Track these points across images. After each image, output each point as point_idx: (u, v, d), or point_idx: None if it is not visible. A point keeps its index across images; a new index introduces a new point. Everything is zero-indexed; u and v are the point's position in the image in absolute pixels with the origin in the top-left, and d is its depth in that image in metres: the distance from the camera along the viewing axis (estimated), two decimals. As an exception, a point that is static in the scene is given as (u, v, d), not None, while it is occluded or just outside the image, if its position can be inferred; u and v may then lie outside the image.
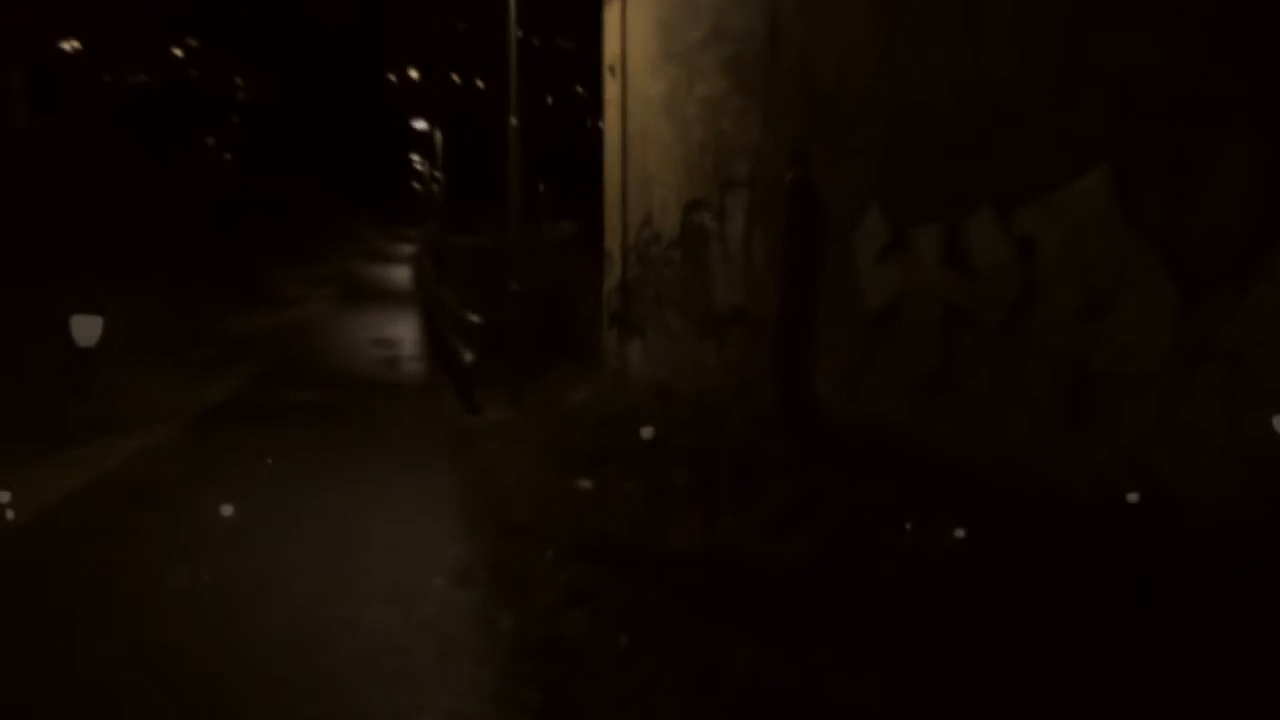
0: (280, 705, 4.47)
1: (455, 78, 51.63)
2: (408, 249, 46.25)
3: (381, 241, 51.25)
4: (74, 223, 15.79)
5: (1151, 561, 4.63)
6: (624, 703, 4.39)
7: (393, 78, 55.80)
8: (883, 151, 7.33)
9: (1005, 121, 6.05)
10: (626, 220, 13.03)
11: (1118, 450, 5.25)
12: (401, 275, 37.10)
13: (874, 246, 7.41)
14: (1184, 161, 4.86)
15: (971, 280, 6.40)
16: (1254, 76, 4.57)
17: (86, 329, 10.58)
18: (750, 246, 9.40)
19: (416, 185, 64.55)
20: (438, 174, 49.35)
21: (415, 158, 61.75)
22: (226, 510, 7.44)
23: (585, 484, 7.80)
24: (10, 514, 7.39)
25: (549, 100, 42.31)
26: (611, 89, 13.54)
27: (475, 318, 15.35)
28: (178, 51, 33.66)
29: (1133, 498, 5.02)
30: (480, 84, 48.60)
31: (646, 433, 8.48)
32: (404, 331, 21.76)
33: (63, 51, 24.34)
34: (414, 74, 54.59)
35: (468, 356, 14.47)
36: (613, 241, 13.69)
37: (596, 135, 14.67)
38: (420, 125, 49.65)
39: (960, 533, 5.34)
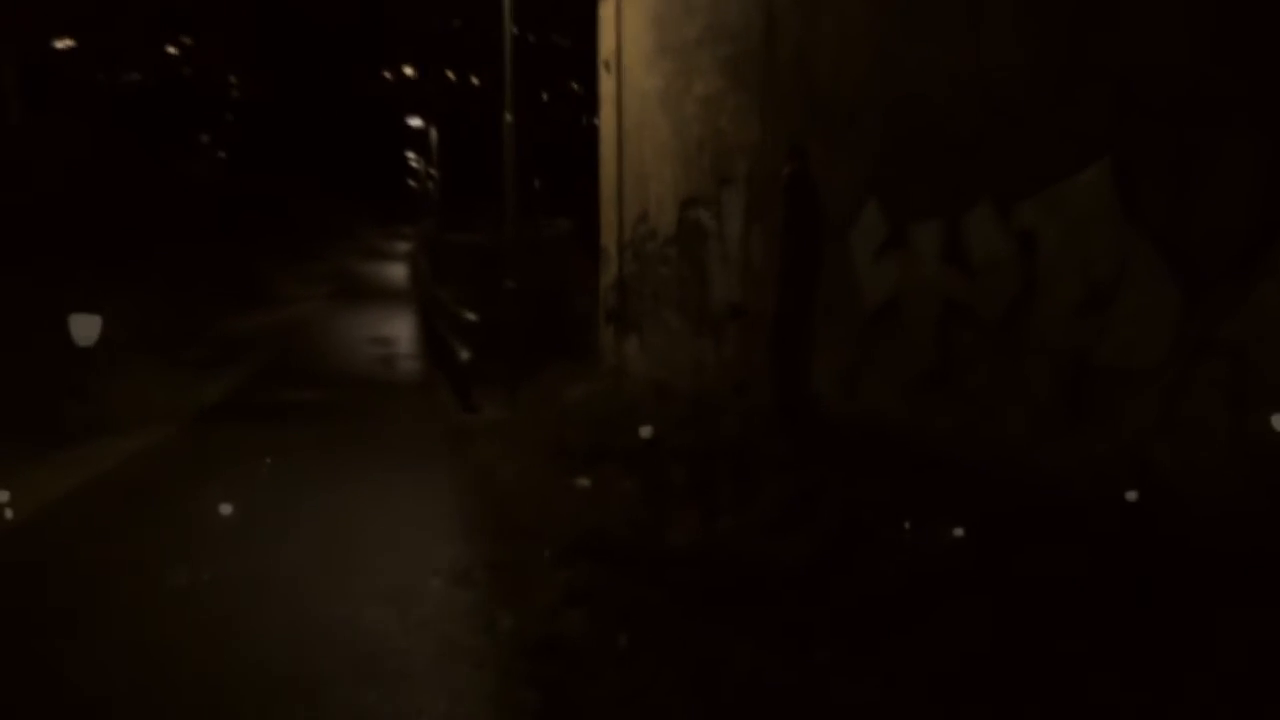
0: (278, 707, 4.45)
1: (450, 75, 51.49)
2: (404, 246, 46.23)
3: (378, 239, 51.22)
4: (68, 221, 15.73)
5: (1153, 558, 4.61)
6: (623, 703, 4.37)
7: (388, 75, 55.67)
8: (880, 146, 7.31)
9: (1005, 116, 6.02)
10: (623, 216, 13.00)
11: (1119, 446, 5.23)
12: (398, 273, 37.06)
13: (872, 242, 7.39)
14: (1185, 157, 4.84)
15: (971, 276, 6.38)
16: (1256, 72, 4.54)
17: (85, 328, 10.55)
18: (748, 243, 9.38)
19: (412, 183, 64.51)
20: (433, 171, 49.31)
21: (411, 155, 61.69)
22: (224, 510, 7.43)
23: (583, 482, 7.78)
24: (9, 513, 7.39)
25: (544, 97, 42.20)
26: (607, 85, 13.51)
27: (471, 315, 15.30)
28: (172, 50, 33.54)
29: (1134, 494, 5.00)
30: (475, 81, 48.44)
31: (644, 431, 8.46)
32: (400, 330, 21.73)
33: (56, 49, 24.25)
34: (409, 71, 54.46)
35: (464, 354, 14.42)
36: (609, 238, 13.66)
37: (592, 132, 14.65)
38: (416, 122, 49.57)
39: (960, 531, 5.33)
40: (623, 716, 4.31)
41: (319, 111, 49.27)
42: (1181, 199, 4.88)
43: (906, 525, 5.57)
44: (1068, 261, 5.59)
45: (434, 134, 46.13)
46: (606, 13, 13.38)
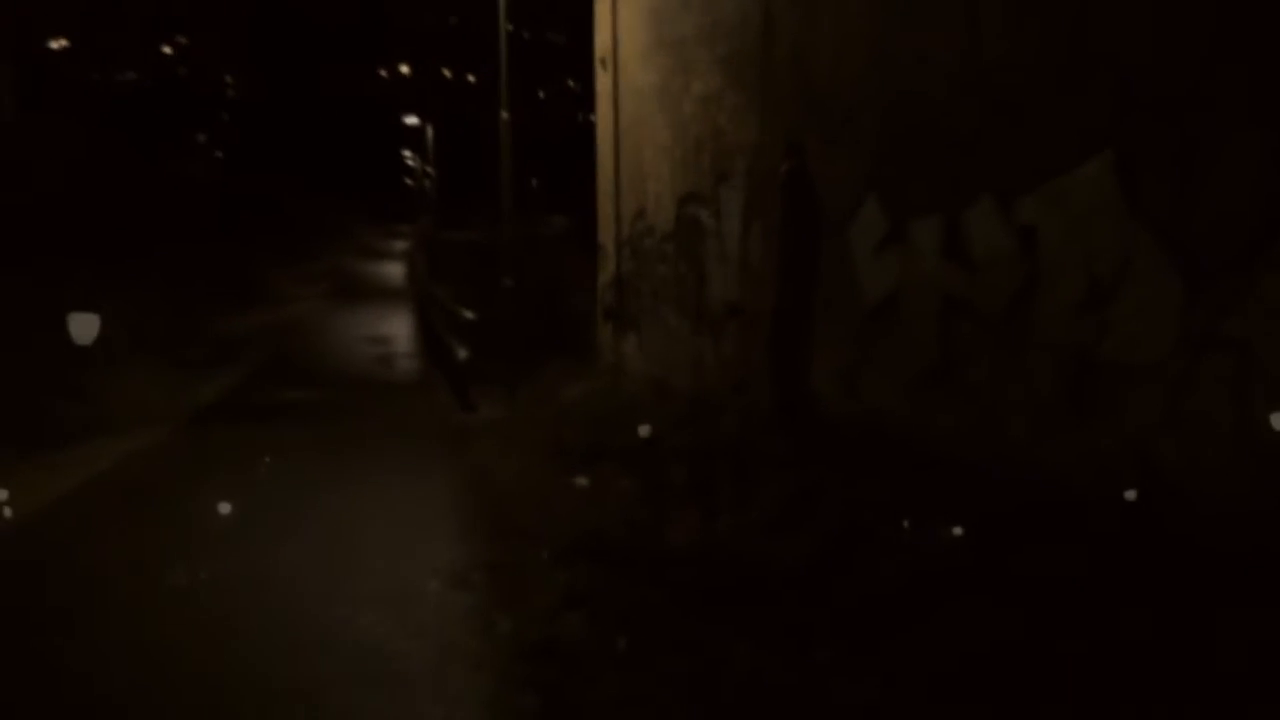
0: (276, 711, 4.42)
1: (446, 73, 51.48)
2: (400, 245, 46.07)
3: (374, 238, 51.12)
4: (65, 220, 15.72)
5: (1156, 557, 4.57)
6: (623, 706, 4.33)
7: (384, 73, 55.63)
8: (879, 142, 7.26)
9: (1005, 110, 5.97)
10: (620, 213, 12.95)
11: (1122, 442, 5.18)
12: (394, 271, 36.95)
13: (871, 239, 7.34)
14: (1188, 149, 4.80)
15: (972, 271, 6.33)
16: (1259, 63, 4.50)
17: (83, 327, 10.55)
18: (746, 241, 9.33)
19: (408, 181, 64.45)
20: (430, 169, 49.27)
21: (407, 153, 61.64)
22: (221, 512, 7.40)
23: (581, 482, 7.74)
24: (8, 511, 7.41)
25: (540, 95, 42.18)
26: (603, 81, 13.46)
27: (469, 314, 15.27)
28: (167, 49, 33.48)
29: (1137, 492, 4.96)
30: (471, 79, 48.43)
31: (643, 430, 8.42)
32: (397, 328, 21.67)
33: (51, 49, 24.21)
34: (405, 69, 54.42)
35: (461, 353, 14.39)
36: (606, 235, 13.61)
37: (589, 129, 14.61)
38: (412, 121, 49.52)
39: (960, 530, 5.29)
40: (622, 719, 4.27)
41: (315, 110, 49.23)
42: (1184, 192, 4.83)
43: (906, 524, 5.53)
44: (1069, 256, 5.54)
45: (430, 132, 46.10)
46: (602, 8, 13.33)
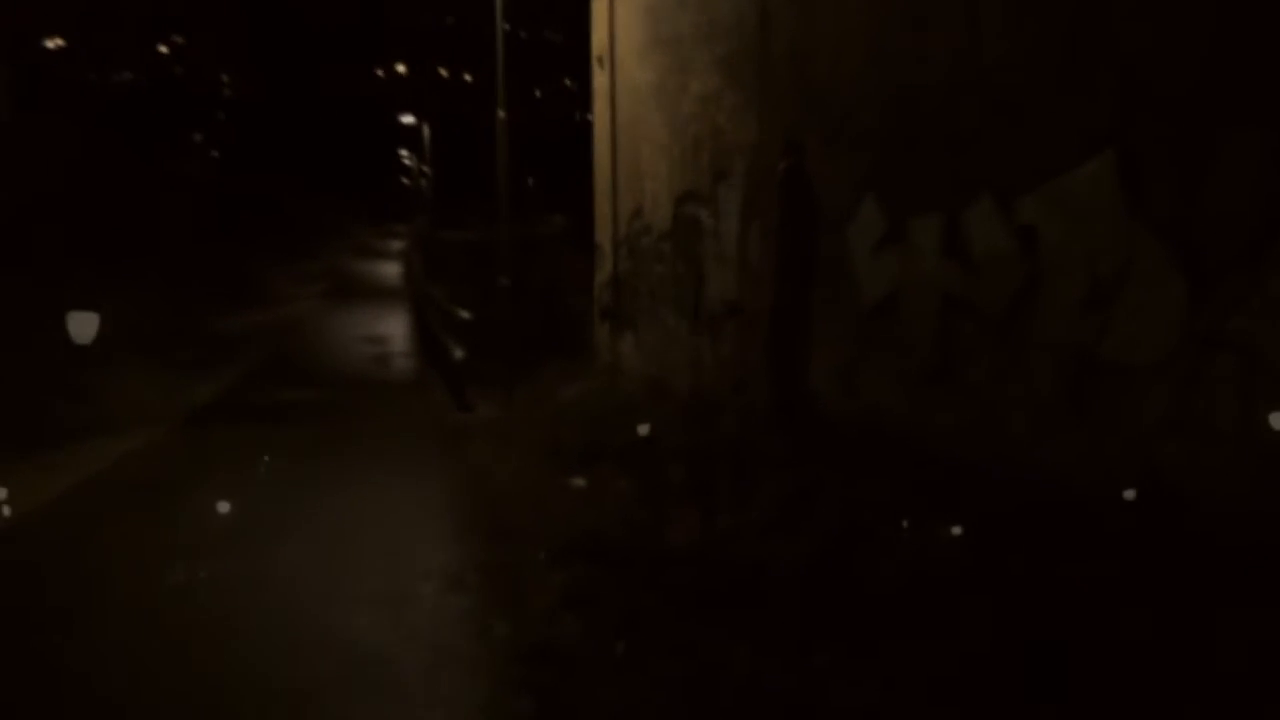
0: (274, 714, 4.40)
1: (443, 72, 51.48)
2: (397, 244, 46.12)
3: (371, 237, 51.14)
4: (60, 220, 15.70)
5: (1158, 557, 4.55)
6: (620, 709, 4.30)
7: (380, 73, 55.60)
8: (877, 141, 7.23)
9: (1005, 109, 5.94)
10: (617, 212, 12.92)
11: (1124, 443, 5.15)
12: (391, 271, 36.97)
13: (870, 238, 7.31)
14: (1191, 148, 4.77)
15: (971, 271, 6.30)
16: (1263, 61, 4.47)
17: (82, 326, 10.55)
18: (744, 240, 9.30)
19: (405, 180, 64.42)
20: (426, 169, 49.25)
21: (404, 153, 61.61)
22: (219, 511, 7.41)
23: (579, 482, 7.71)
24: (6, 510, 7.41)
25: (537, 94, 42.18)
26: (600, 80, 13.43)
27: (465, 314, 15.25)
28: (163, 49, 33.44)
29: (1138, 492, 4.93)
30: (468, 78, 48.45)
31: (640, 430, 8.39)
32: (394, 328, 21.68)
33: (47, 49, 24.16)
34: (402, 69, 54.39)
35: (458, 353, 14.37)
36: (603, 234, 13.58)
37: (586, 128, 14.58)
38: (408, 120, 49.52)
39: (960, 529, 5.26)
40: (620, 723, 4.24)
41: (311, 110, 49.19)
42: (1186, 192, 4.80)
43: (906, 524, 5.51)
44: (1070, 256, 5.51)
45: (427, 131, 46.07)
46: (599, 7, 13.31)
